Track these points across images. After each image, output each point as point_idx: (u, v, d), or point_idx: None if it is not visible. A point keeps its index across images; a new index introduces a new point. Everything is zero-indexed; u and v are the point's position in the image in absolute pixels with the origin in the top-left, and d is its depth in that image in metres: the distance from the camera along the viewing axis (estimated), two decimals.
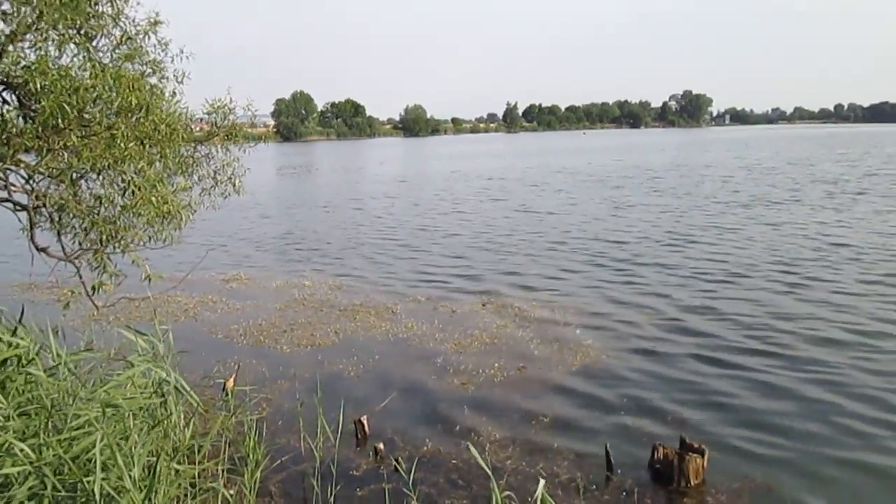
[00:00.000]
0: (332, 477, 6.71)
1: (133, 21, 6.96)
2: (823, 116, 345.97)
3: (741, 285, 14.56)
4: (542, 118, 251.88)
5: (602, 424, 8.16)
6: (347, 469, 7.17)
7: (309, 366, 10.36)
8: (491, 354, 10.71)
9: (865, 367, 9.65)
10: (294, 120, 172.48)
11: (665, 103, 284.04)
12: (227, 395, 8.63)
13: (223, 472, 6.37)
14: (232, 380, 9.08)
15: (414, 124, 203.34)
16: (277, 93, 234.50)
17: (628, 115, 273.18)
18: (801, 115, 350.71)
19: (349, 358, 10.67)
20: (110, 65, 6.64)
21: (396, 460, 7.18)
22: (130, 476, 4.81)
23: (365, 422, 7.99)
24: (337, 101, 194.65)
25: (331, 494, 6.45)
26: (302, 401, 8.55)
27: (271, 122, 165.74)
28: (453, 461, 7.34)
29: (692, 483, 6.68)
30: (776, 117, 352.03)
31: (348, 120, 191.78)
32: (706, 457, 6.81)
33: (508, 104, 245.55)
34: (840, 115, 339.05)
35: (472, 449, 5.00)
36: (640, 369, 9.97)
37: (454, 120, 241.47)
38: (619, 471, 7.03)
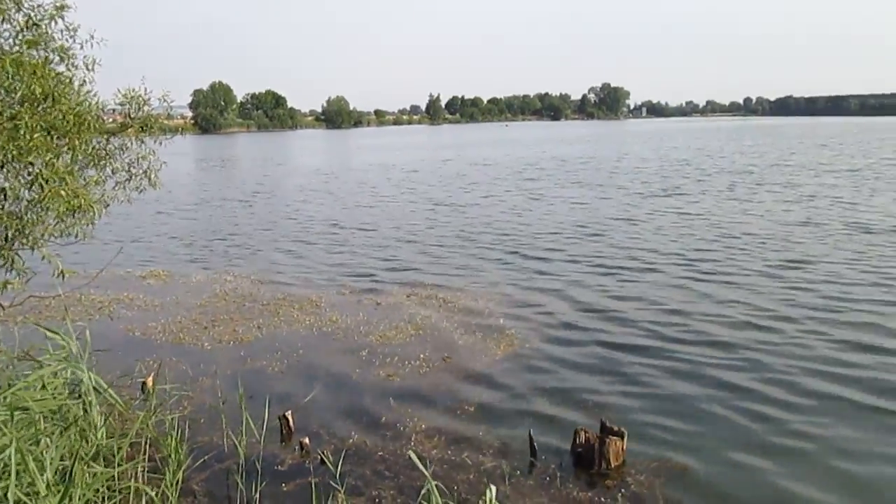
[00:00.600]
0: (258, 473, 6.63)
1: (38, 6, 6.66)
2: (734, 109, 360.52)
3: (653, 274, 15.06)
4: (465, 110, 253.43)
5: (526, 411, 8.33)
6: (273, 465, 7.09)
7: (232, 362, 10.17)
8: (416, 345, 10.76)
9: (772, 351, 10.13)
10: (213, 111, 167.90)
11: (584, 96, 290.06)
12: (146, 394, 8.40)
13: (143, 472, 6.21)
14: (151, 378, 8.84)
15: (336, 116, 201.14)
16: (195, 83, 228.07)
17: (549, 108, 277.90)
18: (713, 108, 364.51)
19: (273, 353, 10.52)
20: (12, 51, 6.34)
21: (323, 454, 7.14)
22: (44, 480, 4.64)
23: (290, 417, 7.90)
24: (257, 93, 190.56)
25: (256, 491, 6.37)
26: (225, 398, 8.40)
27: (189, 114, 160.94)
28: (380, 453, 7.36)
29: (613, 465, 6.89)
30: (690, 110, 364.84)
31: (269, 111, 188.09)
32: (626, 439, 7.04)
33: (431, 96, 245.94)
34: (749, 108, 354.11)
35: (413, 456, 5.01)
36: (562, 357, 10.20)
37: (377, 112, 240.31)
38: (543, 456, 7.19)
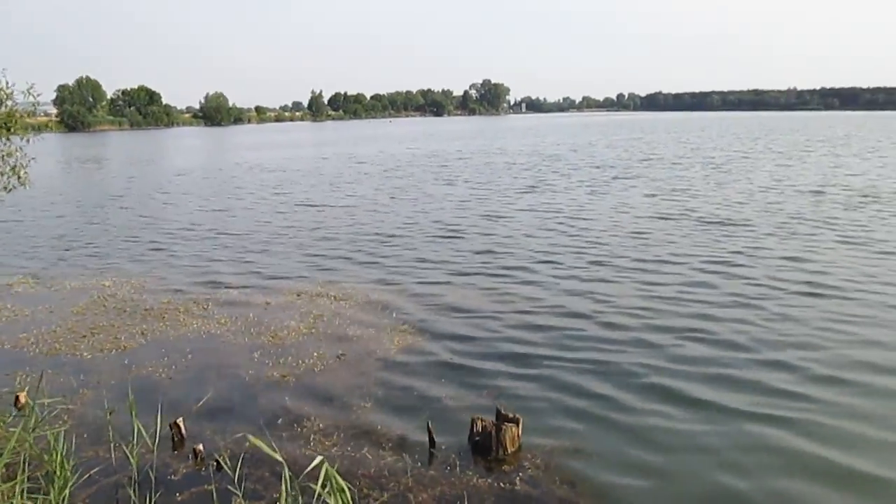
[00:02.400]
0: (151, 484, 6.39)
1: None
2: (607, 105, 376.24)
3: (542, 265, 15.59)
4: (348, 106, 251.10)
5: (423, 403, 8.44)
6: (166, 475, 6.86)
7: (116, 371, 9.71)
8: (309, 344, 10.65)
9: (641, 337, 10.73)
10: (80, 108, 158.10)
11: (466, 92, 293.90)
12: (21, 410, 7.90)
13: (23, 493, 5.84)
14: (25, 393, 8.32)
15: (215, 113, 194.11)
16: (60, 79, 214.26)
17: (432, 104, 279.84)
18: (588, 104, 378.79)
19: (160, 359, 10.13)
20: None
21: (218, 459, 6.95)
22: None
23: (181, 424, 7.66)
24: (129, 88, 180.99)
25: (150, 502, 6.14)
26: (111, 409, 8.02)
27: (53, 111, 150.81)
28: (278, 454, 7.23)
29: (509, 450, 7.11)
30: (567, 105, 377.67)
31: (143, 108, 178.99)
32: (521, 425, 7.28)
33: (313, 92, 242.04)
34: (622, 103, 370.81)
35: (252, 438, 4.89)
36: (456, 349, 10.39)
37: (258, 108, 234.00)
38: (442, 446, 7.32)
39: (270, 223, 22.86)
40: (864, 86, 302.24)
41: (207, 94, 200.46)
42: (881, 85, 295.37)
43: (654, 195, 26.80)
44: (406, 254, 17.11)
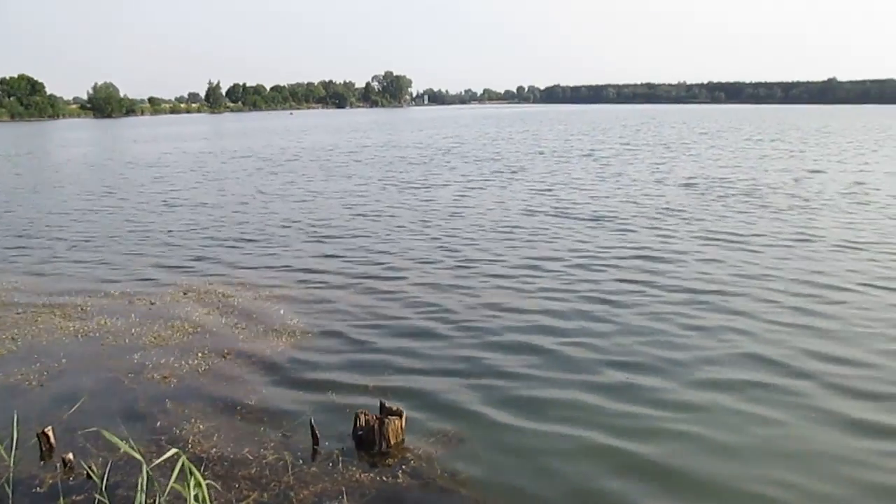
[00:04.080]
0: (9, 500, 6.05)
1: None
2: (508, 97, 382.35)
3: (413, 266, 15.68)
4: (247, 98, 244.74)
5: (308, 401, 8.34)
6: (30, 487, 6.51)
7: None
8: (194, 344, 10.34)
9: (509, 334, 10.94)
10: None
11: (368, 84, 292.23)
12: None
13: None
14: None
15: (105, 104, 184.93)
16: None
17: (334, 96, 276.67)
18: (489, 97, 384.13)
19: (30, 366, 9.58)
20: None
21: (89, 468, 6.65)
22: None
23: (50, 433, 7.28)
24: (8, 77, 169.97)
25: None
26: None
27: None
28: (154, 459, 6.99)
29: (393, 444, 7.14)
30: (469, 98, 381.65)
31: (24, 99, 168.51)
32: (404, 418, 7.31)
33: (211, 83, 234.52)
34: (521, 96, 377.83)
35: (107, 434, 4.74)
36: (342, 344, 10.34)
37: (151, 100, 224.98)
38: (325, 443, 7.27)
39: (152, 221, 21.84)
40: (747, 80, 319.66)
41: (96, 83, 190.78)
42: (762, 80, 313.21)
43: (532, 189, 27.17)
44: (292, 252, 16.79)
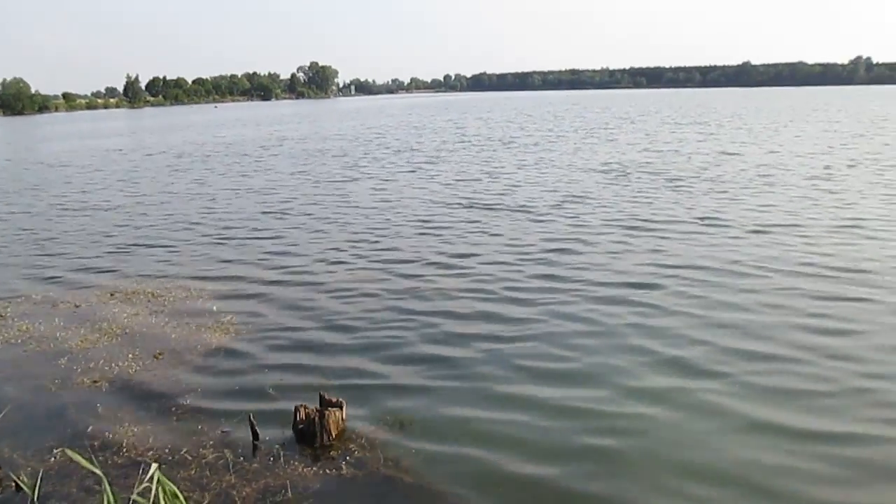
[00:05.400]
0: None
1: None
2: (435, 86, 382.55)
3: (334, 257, 15.63)
4: (168, 92, 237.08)
5: (246, 397, 8.23)
6: None
7: None
8: (124, 346, 10.03)
9: (437, 309, 11.16)
10: None
11: (293, 75, 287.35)
12: None
13: None
14: None
15: (15, 101, 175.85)
16: None
17: (258, 88, 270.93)
18: (417, 85, 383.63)
19: None
20: None
21: (17, 479, 6.41)
22: None
23: None
24: None
25: None
26: None
27: None
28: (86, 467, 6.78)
29: (334, 435, 7.11)
30: (396, 87, 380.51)
31: None
32: (345, 409, 7.29)
33: (129, 77, 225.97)
34: (449, 84, 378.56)
35: (70, 453, 4.59)
36: (278, 338, 10.23)
37: (66, 95, 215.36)
38: (266, 439, 7.19)
39: (68, 223, 20.81)
40: (667, 65, 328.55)
41: (5, 79, 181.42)
42: (681, 65, 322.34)
43: (453, 180, 26.82)
44: (218, 250, 16.39)
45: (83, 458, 4.75)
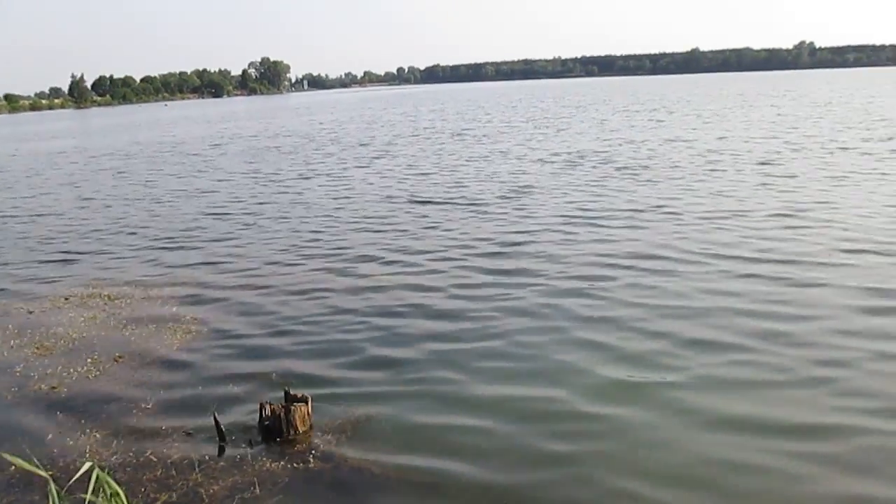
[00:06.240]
0: None
1: None
2: (389, 79, 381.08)
3: (287, 256, 15.64)
4: (116, 91, 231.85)
5: (211, 396, 8.19)
6: None
7: None
8: (82, 350, 9.86)
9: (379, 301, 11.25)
10: None
11: (245, 71, 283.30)
12: None
13: None
14: None
15: None
16: None
17: (209, 85, 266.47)
18: (370, 79, 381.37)
19: None
20: None
21: None
22: None
23: None
24: None
25: None
26: None
27: None
28: (50, 473, 6.67)
29: (300, 430, 7.14)
30: (349, 81, 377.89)
31: None
32: (310, 404, 7.32)
33: (74, 77, 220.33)
34: (402, 77, 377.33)
35: (9, 457, 4.50)
36: (240, 336, 10.18)
37: (8, 97, 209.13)
38: (231, 437, 7.17)
39: (14, 228, 20.35)
40: (618, 53, 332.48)
41: None
42: (632, 53, 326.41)
43: (402, 174, 26.52)
44: (174, 251, 16.18)
45: (26, 461, 4.64)
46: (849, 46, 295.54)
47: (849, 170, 22.10)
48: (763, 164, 24.34)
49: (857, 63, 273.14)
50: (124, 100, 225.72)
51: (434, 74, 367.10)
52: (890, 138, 30.47)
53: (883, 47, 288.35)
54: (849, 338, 8.95)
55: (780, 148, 28.62)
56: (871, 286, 10.74)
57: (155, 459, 6.86)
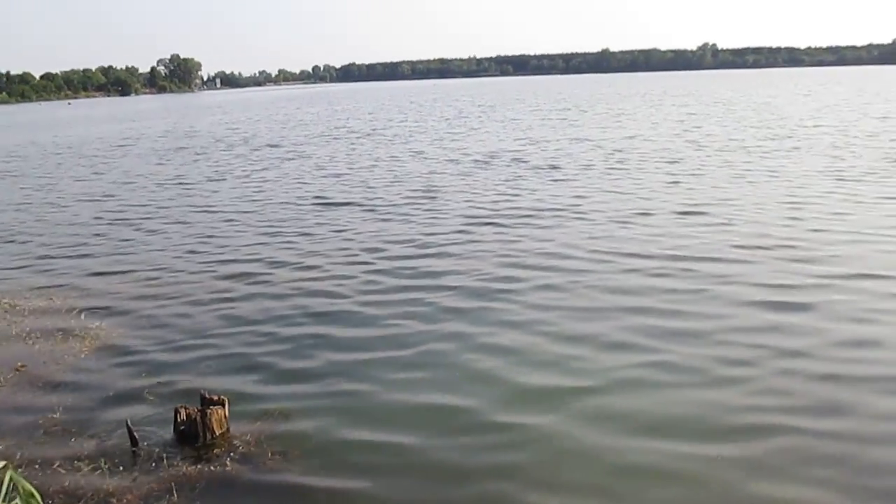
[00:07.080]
0: None
1: None
2: (304, 77, 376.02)
3: (193, 263, 15.28)
4: (13, 88, 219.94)
5: (122, 404, 7.94)
6: None
7: None
8: None
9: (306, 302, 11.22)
10: None
11: (153, 68, 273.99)
12: None
13: None
14: None
15: None
16: None
17: (116, 83, 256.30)
18: (285, 77, 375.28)
19: None
20: None
21: None
22: None
23: None
24: None
25: None
26: None
27: None
28: None
29: (217, 433, 7.03)
30: (263, 79, 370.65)
31: None
32: (227, 406, 7.22)
33: None
34: (318, 75, 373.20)
35: None
36: (151, 341, 9.90)
37: None
38: (145, 444, 6.99)
39: None
40: (532, 53, 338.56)
41: None
42: (545, 52, 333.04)
43: (310, 176, 26.04)
44: (79, 255, 15.56)
45: None
46: (748, 48, 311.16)
47: (749, 168, 23.17)
48: (670, 162, 25.20)
49: (756, 64, 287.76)
50: (23, 97, 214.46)
51: (350, 73, 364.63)
52: (789, 136, 32.17)
53: (779, 49, 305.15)
54: (755, 335, 9.08)
55: (685, 147, 29.78)
56: (773, 283, 11.08)
57: (63, 471, 6.62)
